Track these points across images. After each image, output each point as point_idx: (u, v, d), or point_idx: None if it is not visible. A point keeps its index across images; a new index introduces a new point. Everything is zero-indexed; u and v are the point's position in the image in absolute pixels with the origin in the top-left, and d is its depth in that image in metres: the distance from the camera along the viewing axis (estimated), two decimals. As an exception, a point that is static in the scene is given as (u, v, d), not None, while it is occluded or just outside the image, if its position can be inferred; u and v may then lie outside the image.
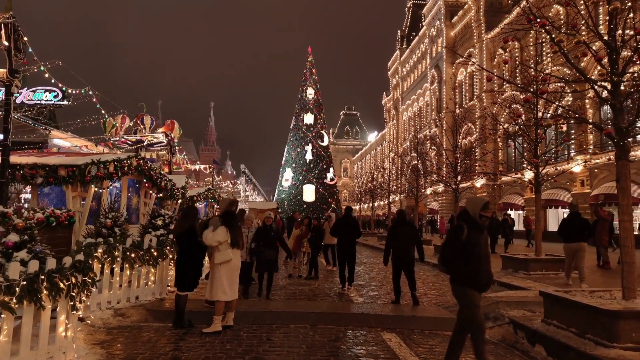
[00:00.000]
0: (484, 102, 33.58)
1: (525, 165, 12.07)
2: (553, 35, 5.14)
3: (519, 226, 26.93)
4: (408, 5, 62.46)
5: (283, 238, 8.71)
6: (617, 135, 5.41)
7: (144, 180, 11.78)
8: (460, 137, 26.86)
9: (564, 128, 14.35)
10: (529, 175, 11.87)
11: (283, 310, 6.58)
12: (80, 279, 4.36)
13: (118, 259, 6.42)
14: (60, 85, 11.12)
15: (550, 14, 24.20)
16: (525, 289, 8.73)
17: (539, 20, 5.50)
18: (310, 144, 44.57)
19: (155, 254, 7.21)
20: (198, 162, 50.35)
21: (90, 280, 4.48)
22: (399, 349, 5.26)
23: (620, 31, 5.26)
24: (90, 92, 12.16)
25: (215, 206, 22.89)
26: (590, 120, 6.22)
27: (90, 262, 5.38)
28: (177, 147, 23.59)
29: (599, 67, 5.37)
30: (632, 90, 5.36)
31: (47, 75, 9.44)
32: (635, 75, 5.16)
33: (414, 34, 56.34)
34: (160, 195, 12.65)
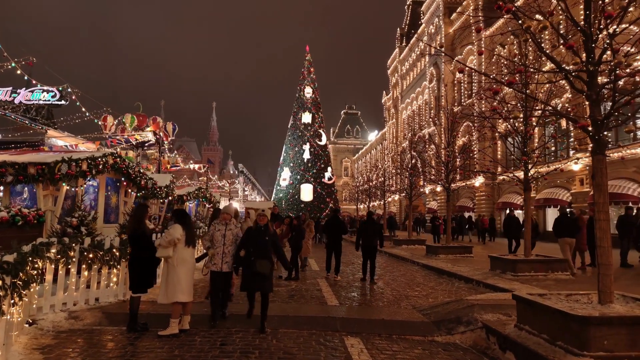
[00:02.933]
0: (482, 99, 33.11)
1: (521, 164, 11.60)
2: (520, 21, 4.80)
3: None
4: (408, 3, 61.96)
5: (281, 247, 6.65)
6: (593, 129, 5.09)
7: (123, 179, 11.53)
8: (459, 135, 26.28)
9: (555, 124, 13.94)
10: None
11: (244, 313, 6.26)
12: (8, 281, 4.08)
13: (74, 259, 6.14)
14: (34, 82, 10.88)
15: (547, 10, 23.72)
16: (509, 290, 8.35)
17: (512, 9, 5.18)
18: (308, 143, 44.21)
19: (117, 254, 6.94)
20: (191, 162, 50.13)
21: (20, 283, 4.20)
22: (359, 355, 4.95)
23: (599, 24, 4.92)
24: (70, 90, 11.92)
25: (207, 205, 22.65)
26: (564, 113, 5.88)
27: (38, 262, 5.12)
28: (166, 146, 23.31)
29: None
30: (608, 80, 5.02)
31: (19, 72, 9.19)
32: (612, 63, 4.81)
33: (413, 31, 55.75)
34: (141, 194, 12.38)
